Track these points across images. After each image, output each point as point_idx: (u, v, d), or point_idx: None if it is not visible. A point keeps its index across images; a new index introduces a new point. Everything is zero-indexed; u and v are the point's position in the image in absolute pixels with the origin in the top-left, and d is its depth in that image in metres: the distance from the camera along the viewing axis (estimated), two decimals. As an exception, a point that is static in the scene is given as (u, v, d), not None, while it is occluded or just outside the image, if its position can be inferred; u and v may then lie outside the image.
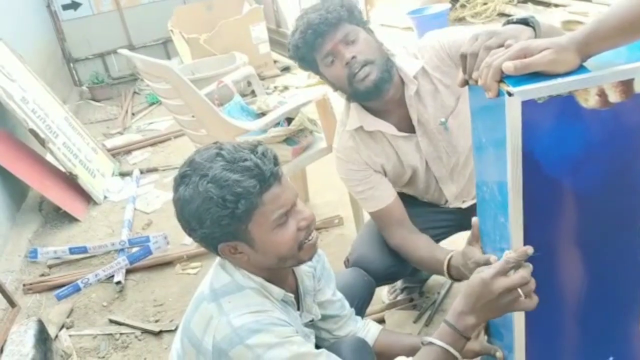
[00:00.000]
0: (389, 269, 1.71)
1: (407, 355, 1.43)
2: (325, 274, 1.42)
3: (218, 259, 1.26)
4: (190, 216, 1.13)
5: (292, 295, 1.29)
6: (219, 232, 1.13)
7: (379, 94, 1.55)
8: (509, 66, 0.96)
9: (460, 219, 1.76)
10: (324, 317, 1.41)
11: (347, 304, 1.47)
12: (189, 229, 1.17)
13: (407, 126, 1.66)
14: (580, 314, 1.19)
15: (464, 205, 1.80)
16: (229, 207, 1.09)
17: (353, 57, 1.51)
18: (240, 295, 1.18)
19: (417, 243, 1.64)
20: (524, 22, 1.12)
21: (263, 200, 1.12)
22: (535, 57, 0.96)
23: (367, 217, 1.89)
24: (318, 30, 1.51)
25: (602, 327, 1.20)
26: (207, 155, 1.14)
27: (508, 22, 1.14)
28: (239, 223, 1.12)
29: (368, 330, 1.49)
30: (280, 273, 1.27)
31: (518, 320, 1.15)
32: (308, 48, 1.54)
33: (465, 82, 1.10)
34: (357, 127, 1.66)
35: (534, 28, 1.11)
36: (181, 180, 1.15)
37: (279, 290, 1.24)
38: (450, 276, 1.49)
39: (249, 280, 1.21)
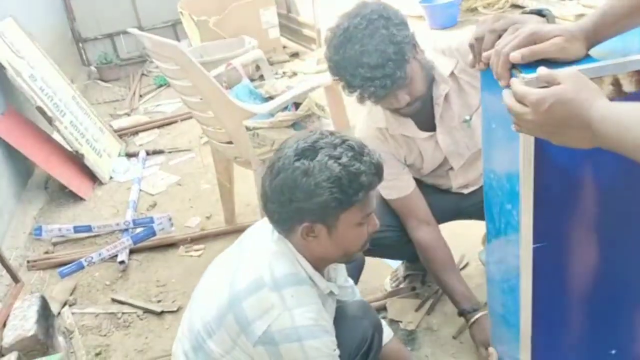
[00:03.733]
0: (380, 233, 1.73)
1: None
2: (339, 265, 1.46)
3: (268, 243, 1.28)
4: (301, 187, 1.17)
5: (336, 289, 1.37)
6: (315, 211, 1.19)
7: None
8: (515, 57, 0.94)
9: (460, 203, 1.82)
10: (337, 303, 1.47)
11: (357, 290, 1.54)
12: (284, 197, 1.20)
13: (429, 124, 1.68)
14: (586, 306, 1.19)
15: (466, 191, 1.84)
16: (347, 193, 1.17)
17: (407, 104, 1.55)
18: (301, 290, 1.23)
19: (441, 257, 1.75)
20: (539, 13, 1.10)
21: (367, 197, 1.21)
22: (544, 44, 0.94)
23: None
24: (384, 96, 1.52)
25: (607, 320, 1.20)
26: (333, 141, 1.20)
27: (522, 13, 1.12)
28: (340, 210, 1.20)
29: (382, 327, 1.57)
30: (324, 265, 1.34)
31: (524, 309, 1.14)
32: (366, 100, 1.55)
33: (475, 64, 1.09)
34: (383, 127, 1.69)
35: (547, 20, 1.09)
36: (302, 153, 1.19)
37: (325, 286, 1.32)
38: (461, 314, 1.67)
39: (302, 269, 1.27)
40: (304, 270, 1.27)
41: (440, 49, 1.64)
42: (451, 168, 1.78)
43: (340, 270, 1.47)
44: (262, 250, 1.28)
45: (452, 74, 1.61)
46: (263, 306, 1.20)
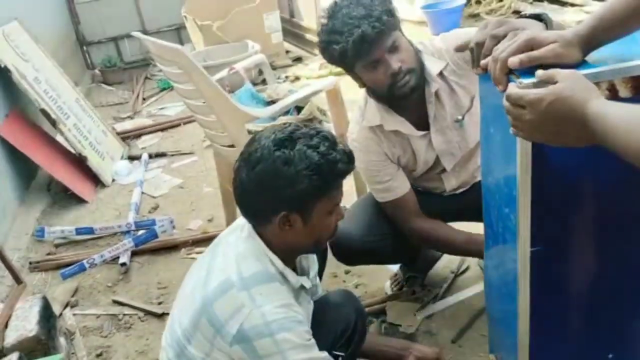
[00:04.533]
0: (365, 244, 1.80)
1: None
2: (310, 256, 1.49)
3: (237, 244, 1.31)
4: (282, 175, 1.20)
5: (308, 284, 1.39)
6: (297, 200, 1.22)
7: (411, 98, 1.61)
8: (514, 61, 0.95)
9: (453, 204, 1.84)
10: None
11: (320, 290, 1.60)
12: (263, 187, 1.23)
13: (423, 123, 1.70)
14: (584, 310, 1.19)
15: (458, 192, 1.87)
16: (326, 180, 1.22)
17: (399, 68, 1.54)
18: (270, 288, 1.26)
19: (438, 225, 1.75)
20: (537, 17, 1.11)
21: (340, 186, 1.28)
22: (541, 50, 0.95)
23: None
24: (374, 41, 1.51)
25: (604, 324, 1.20)
26: (309, 132, 1.24)
27: (520, 17, 1.13)
28: (317, 198, 1.24)
29: None
30: (294, 257, 1.39)
31: (522, 313, 1.15)
32: (357, 57, 1.54)
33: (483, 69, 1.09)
34: (377, 125, 1.69)
35: (546, 24, 1.10)
36: (281, 143, 1.22)
37: (295, 280, 1.33)
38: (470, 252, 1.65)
39: (272, 265, 1.29)
40: (273, 267, 1.29)
41: (430, 51, 1.65)
42: (444, 170, 1.79)
43: (312, 262, 1.49)
44: (231, 252, 1.30)
45: (441, 75, 1.64)
46: (233, 306, 1.22)
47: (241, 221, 1.37)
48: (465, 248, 1.73)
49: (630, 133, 0.75)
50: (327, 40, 1.57)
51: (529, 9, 4.48)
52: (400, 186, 1.76)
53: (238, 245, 1.31)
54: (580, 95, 0.82)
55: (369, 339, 1.65)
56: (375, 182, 1.78)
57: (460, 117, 1.66)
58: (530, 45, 0.96)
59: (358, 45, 1.51)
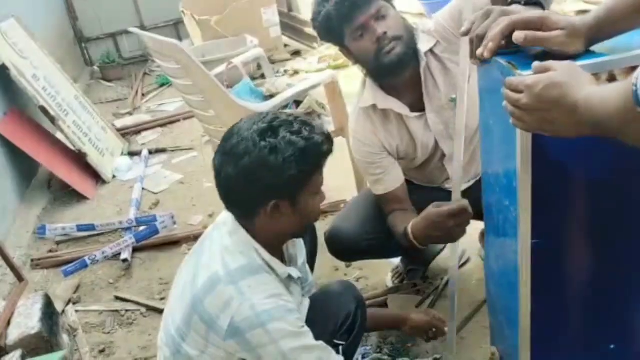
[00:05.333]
0: (360, 242, 1.79)
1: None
2: (298, 242, 1.50)
3: (221, 240, 1.30)
4: (270, 164, 1.21)
5: (296, 274, 1.39)
6: (287, 186, 1.24)
7: (401, 69, 1.59)
8: (519, 36, 0.95)
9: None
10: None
11: (310, 276, 1.60)
12: (250, 179, 1.23)
13: (419, 105, 1.69)
14: (585, 301, 1.19)
15: (463, 187, 1.81)
16: (311, 163, 1.25)
17: (384, 33, 1.54)
18: (257, 279, 1.26)
19: (400, 217, 1.70)
20: (535, 3, 1.10)
21: (323, 166, 1.30)
22: (549, 33, 0.95)
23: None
24: (355, 4, 1.52)
25: (606, 315, 1.20)
26: (288, 118, 1.26)
27: (513, 2, 1.11)
28: (304, 182, 1.26)
29: None
30: (282, 245, 1.40)
31: (524, 305, 1.15)
32: (341, 20, 1.55)
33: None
34: (370, 104, 1.70)
35: (542, 7, 1.09)
36: (264, 133, 1.23)
37: (282, 271, 1.34)
38: (415, 240, 1.57)
39: (258, 256, 1.29)
40: (259, 258, 1.29)
41: (421, 30, 1.66)
42: (444, 155, 1.77)
43: (300, 249, 1.49)
44: (216, 247, 1.31)
45: (434, 53, 1.64)
46: (223, 301, 1.22)
47: (224, 216, 1.37)
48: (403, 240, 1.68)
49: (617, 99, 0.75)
50: (316, 11, 1.60)
51: None
52: (391, 180, 1.75)
53: (223, 240, 1.31)
54: (574, 82, 0.83)
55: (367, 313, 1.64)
56: (368, 173, 1.79)
57: (454, 96, 1.64)
58: (541, 24, 0.95)
59: (340, 5, 1.52)
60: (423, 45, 1.63)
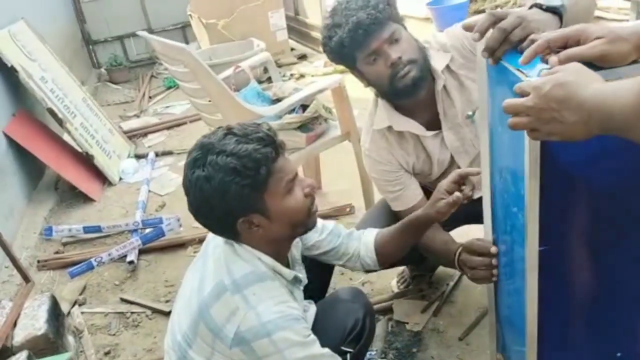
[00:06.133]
0: None
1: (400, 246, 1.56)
2: (298, 243, 1.48)
3: (223, 246, 1.30)
4: (211, 193, 1.19)
5: (301, 276, 1.37)
6: (239, 205, 1.20)
7: (415, 92, 1.57)
8: (554, 60, 0.90)
9: (469, 208, 1.76)
10: (325, 253, 1.54)
11: (339, 230, 1.55)
12: (206, 210, 1.23)
13: (435, 123, 1.67)
14: (592, 309, 1.19)
15: (475, 196, 1.80)
16: (250, 175, 1.18)
17: (399, 58, 1.52)
18: (262, 287, 1.25)
19: (434, 235, 1.64)
20: (554, 10, 1.08)
21: (275, 167, 1.22)
22: (583, 46, 0.90)
23: (379, 205, 1.89)
24: (369, 31, 1.49)
25: (613, 323, 1.20)
26: (217, 136, 1.22)
27: (534, 6, 1.09)
28: (257, 192, 1.20)
29: (366, 239, 1.56)
30: (286, 247, 1.36)
31: (530, 312, 1.14)
32: (354, 47, 1.52)
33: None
34: (386, 126, 1.67)
35: (561, 18, 1.08)
36: (194, 163, 1.22)
37: (288, 272, 1.33)
38: (459, 266, 1.50)
39: (262, 263, 1.28)
40: (263, 265, 1.28)
41: (435, 48, 1.63)
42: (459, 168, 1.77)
43: (295, 245, 1.47)
44: (220, 255, 1.30)
45: (449, 69, 1.61)
46: (229, 310, 1.21)
47: None
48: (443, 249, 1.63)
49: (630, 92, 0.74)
50: (327, 36, 1.57)
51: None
52: (411, 196, 1.72)
53: (226, 248, 1.30)
54: (581, 80, 0.81)
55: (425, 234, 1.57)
56: (387, 191, 1.76)
57: (470, 113, 1.63)
58: (577, 39, 0.92)
59: (353, 32, 1.49)
60: (438, 63, 1.60)
